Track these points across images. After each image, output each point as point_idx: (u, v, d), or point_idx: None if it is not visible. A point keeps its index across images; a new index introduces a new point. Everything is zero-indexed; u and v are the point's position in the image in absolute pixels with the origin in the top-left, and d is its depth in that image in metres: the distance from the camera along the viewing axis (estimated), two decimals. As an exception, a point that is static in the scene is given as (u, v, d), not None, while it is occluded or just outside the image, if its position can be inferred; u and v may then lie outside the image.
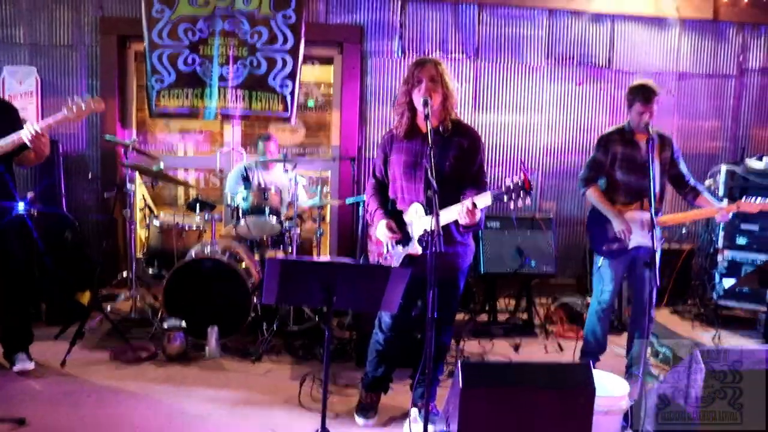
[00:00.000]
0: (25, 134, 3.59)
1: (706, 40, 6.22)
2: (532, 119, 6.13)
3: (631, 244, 3.98)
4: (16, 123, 3.82)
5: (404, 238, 3.26)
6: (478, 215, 2.96)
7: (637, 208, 3.99)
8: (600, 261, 4.14)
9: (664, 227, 4.04)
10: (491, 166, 6.04)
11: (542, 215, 5.55)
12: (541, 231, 5.38)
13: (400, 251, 3.27)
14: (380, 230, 3.28)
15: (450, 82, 3.19)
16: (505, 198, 2.81)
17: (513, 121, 6.11)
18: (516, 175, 2.82)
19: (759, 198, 4.02)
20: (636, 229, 3.95)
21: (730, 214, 3.98)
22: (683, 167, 4.12)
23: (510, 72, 6.07)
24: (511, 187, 2.79)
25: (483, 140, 3.33)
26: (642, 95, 3.96)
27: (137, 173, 5.03)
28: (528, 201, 2.78)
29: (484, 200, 2.91)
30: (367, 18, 5.90)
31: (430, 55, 5.39)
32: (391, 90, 5.93)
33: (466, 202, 2.92)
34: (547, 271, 5.31)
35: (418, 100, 3.15)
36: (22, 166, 3.95)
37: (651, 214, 3.52)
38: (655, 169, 3.95)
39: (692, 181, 4.11)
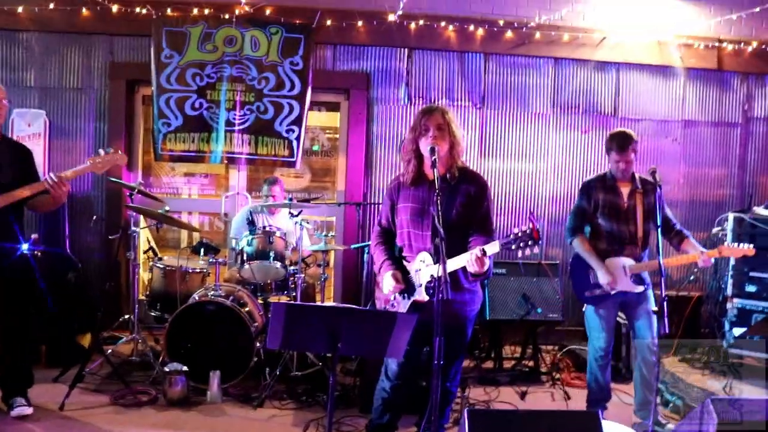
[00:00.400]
0: (47, 181, 3.67)
1: (711, 88, 6.31)
2: (538, 167, 6.18)
3: (614, 291, 4.00)
4: (32, 168, 3.92)
5: (408, 289, 3.29)
6: (487, 263, 3.00)
7: (619, 254, 4.03)
8: (585, 307, 4.18)
9: (642, 273, 4.06)
10: (497, 214, 6.08)
11: (548, 262, 5.59)
12: (547, 278, 5.41)
13: (407, 300, 3.30)
14: (386, 282, 3.30)
15: (457, 130, 3.26)
16: (513, 246, 2.88)
17: (519, 169, 6.16)
18: (524, 224, 2.88)
19: (744, 244, 4.03)
20: (619, 276, 3.99)
21: (713, 260, 3.99)
22: (668, 212, 4.15)
23: (516, 120, 6.14)
24: (520, 236, 2.85)
25: (490, 187, 3.39)
26: (616, 144, 4.02)
27: (142, 216, 5.10)
28: (536, 249, 2.85)
29: (492, 248, 2.96)
30: (373, 65, 6.01)
31: (436, 103, 5.54)
32: (396, 136, 6.00)
33: (475, 251, 2.96)
34: (553, 318, 5.32)
35: (425, 147, 3.21)
36: (36, 210, 4.01)
37: (660, 262, 3.56)
38: (638, 215, 4.01)
39: (678, 226, 4.12)
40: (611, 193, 4.08)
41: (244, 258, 4.85)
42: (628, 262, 3.98)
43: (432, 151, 3.12)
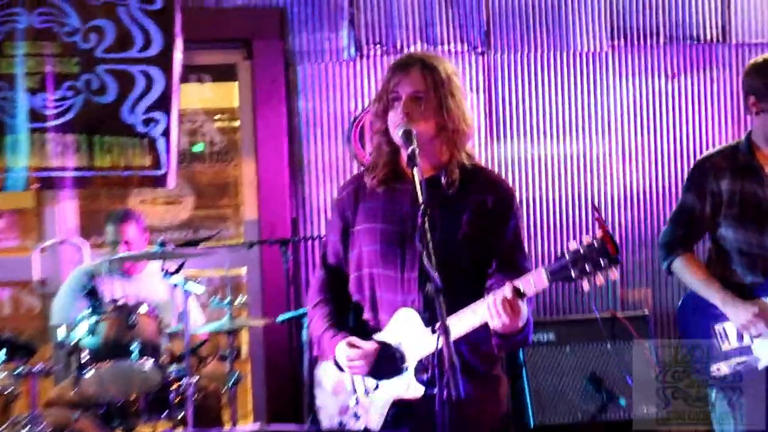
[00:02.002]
0: None
1: None
2: (591, 146, 6.13)
3: (763, 362, 3.92)
4: None
5: (384, 369, 3.22)
6: (524, 312, 2.94)
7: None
8: (712, 394, 4.12)
9: None
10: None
11: (629, 314, 5.58)
12: (629, 341, 5.40)
13: (383, 396, 3.21)
14: (340, 355, 3.19)
15: (453, 94, 3.21)
16: (574, 274, 2.79)
17: (555, 153, 6.13)
18: (587, 233, 2.82)
19: None
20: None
21: None
22: None
23: (546, 68, 6.12)
24: (583, 253, 2.77)
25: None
26: None
27: None
28: (614, 275, 2.77)
29: (534, 283, 2.89)
30: (290, -6, 5.94)
31: (409, 50, 5.52)
32: (342, 115, 5.96)
33: (503, 289, 2.89)
34: (647, 414, 5.31)
35: (395, 130, 3.16)
36: None
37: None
38: None
39: None
40: (747, 177, 3.95)
41: (83, 359, 4.77)
42: None
43: (407, 136, 3.07)
